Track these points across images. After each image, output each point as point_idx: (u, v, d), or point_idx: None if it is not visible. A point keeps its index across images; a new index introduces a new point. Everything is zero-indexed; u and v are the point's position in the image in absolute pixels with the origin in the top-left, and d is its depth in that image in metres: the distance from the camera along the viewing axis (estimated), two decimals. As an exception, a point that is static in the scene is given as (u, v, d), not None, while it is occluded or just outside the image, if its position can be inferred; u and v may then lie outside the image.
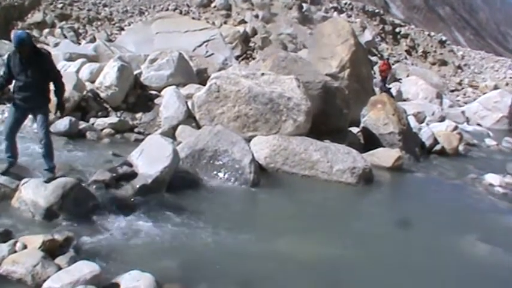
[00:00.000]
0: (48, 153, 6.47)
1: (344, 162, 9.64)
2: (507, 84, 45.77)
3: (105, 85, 10.95)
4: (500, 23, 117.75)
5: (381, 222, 8.20)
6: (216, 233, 6.43)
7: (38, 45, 7.11)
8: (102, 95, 11.01)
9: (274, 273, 5.71)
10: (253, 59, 23.30)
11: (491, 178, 11.53)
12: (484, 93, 27.93)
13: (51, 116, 7.24)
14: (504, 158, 14.83)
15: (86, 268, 4.67)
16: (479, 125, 21.33)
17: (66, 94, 7.96)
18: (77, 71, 11.76)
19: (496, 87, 36.84)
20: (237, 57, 22.39)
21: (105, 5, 26.54)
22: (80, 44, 20.98)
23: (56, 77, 6.43)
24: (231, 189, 8.22)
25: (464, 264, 6.84)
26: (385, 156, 11.28)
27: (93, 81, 11.37)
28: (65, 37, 22.06)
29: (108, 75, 11.00)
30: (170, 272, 5.33)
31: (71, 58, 13.69)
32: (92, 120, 10.57)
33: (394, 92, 22.94)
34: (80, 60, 12.51)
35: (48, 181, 6.22)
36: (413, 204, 9.62)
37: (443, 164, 12.77)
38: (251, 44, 25.35)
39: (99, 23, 25.13)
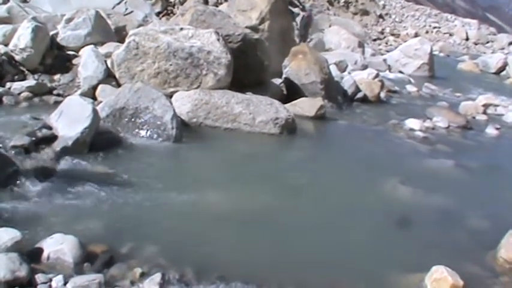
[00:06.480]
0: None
1: (266, 113, 9.70)
2: (427, 32, 46.89)
3: (19, 47, 10.58)
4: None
5: (305, 169, 8.37)
6: (141, 192, 6.37)
7: None
8: (18, 57, 10.64)
9: (201, 228, 5.75)
10: (174, 14, 22.95)
11: (412, 123, 11.91)
12: (405, 41, 28.37)
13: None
14: (424, 103, 15.27)
15: (6, 235, 4.54)
16: (401, 72, 21.71)
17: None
18: (-12, 35, 11.33)
19: (416, 35, 37.64)
20: (157, 14, 22.03)
21: (17, -36, 25.54)
22: (-9, 6, 20.15)
23: None
24: (154, 146, 8.16)
25: (386, 207, 7.08)
26: (308, 105, 11.41)
27: (6, 44, 10.95)
28: (-25, 0, 21.19)
29: (23, 36, 10.62)
30: (95, 233, 5.27)
31: (-20, 21, 13.12)
32: (8, 84, 10.19)
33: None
34: (-10, 23, 12.04)
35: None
36: (336, 151, 9.82)
37: (365, 111, 13.02)
38: (171, 0, 24.97)
39: (11, -17, 24.20)
